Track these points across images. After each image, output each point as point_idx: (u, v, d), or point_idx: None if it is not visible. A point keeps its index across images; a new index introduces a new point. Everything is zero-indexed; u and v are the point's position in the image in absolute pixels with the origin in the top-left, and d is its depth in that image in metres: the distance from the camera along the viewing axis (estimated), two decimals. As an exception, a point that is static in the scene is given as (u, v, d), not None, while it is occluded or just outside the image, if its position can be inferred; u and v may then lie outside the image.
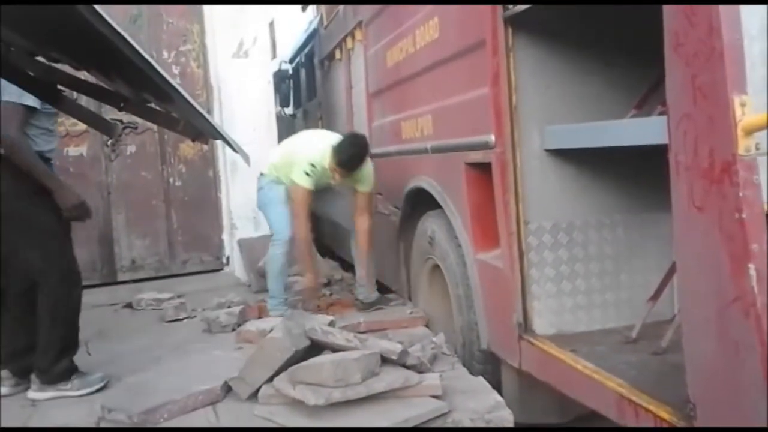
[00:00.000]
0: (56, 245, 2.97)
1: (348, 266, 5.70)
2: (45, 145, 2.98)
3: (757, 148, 1.49)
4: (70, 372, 2.98)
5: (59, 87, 2.01)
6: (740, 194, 1.45)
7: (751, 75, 1.52)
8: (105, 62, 1.70)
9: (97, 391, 2.93)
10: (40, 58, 1.90)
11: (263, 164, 4.14)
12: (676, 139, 1.64)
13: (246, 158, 2.26)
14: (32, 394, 2.96)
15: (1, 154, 2.85)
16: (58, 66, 2.05)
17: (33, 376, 2.98)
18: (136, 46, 1.37)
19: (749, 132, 1.45)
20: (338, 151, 3.83)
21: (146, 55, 1.39)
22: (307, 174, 3.87)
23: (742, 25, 1.51)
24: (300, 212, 3.95)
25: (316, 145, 3.97)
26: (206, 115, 1.76)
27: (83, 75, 2.25)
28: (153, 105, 1.89)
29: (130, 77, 1.70)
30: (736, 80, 1.46)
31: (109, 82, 1.89)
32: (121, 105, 1.87)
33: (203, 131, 1.91)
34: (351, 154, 3.84)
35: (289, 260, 4.13)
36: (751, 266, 1.44)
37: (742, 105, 1.45)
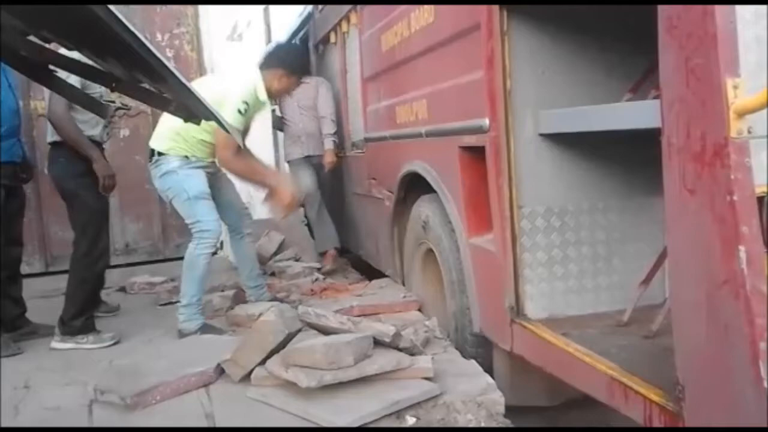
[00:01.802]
0: (92, 221, 3.54)
1: (341, 251, 5.71)
2: (90, 130, 3.59)
3: (749, 131, 1.50)
4: (87, 329, 3.52)
5: (51, 67, 1.99)
6: (732, 177, 1.45)
7: (745, 58, 1.52)
8: (97, 42, 1.69)
9: (109, 346, 3.46)
10: (31, 38, 1.88)
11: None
12: (669, 121, 1.64)
13: (240, 140, 2.27)
14: (54, 343, 3.48)
15: (56, 142, 3.55)
16: (50, 46, 2.03)
17: (56, 328, 3.51)
18: (129, 26, 1.36)
19: (741, 114, 1.45)
20: (301, 57, 3.50)
21: (139, 35, 1.38)
22: (241, 112, 3.44)
23: (736, 8, 1.51)
24: (230, 154, 3.47)
25: (243, 82, 3.52)
26: (200, 96, 1.76)
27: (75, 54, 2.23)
28: (145, 85, 1.88)
29: (123, 57, 1.68)
30: (729, 63, 1.46)
31: (101, 62, 1.87)
32: (113, 85, 1.86)
33: (196, 112, 1.90)
34: (304, 55, 3.58)
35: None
36: (741, 248, 1.44)
37: (735, 87, 1.46)
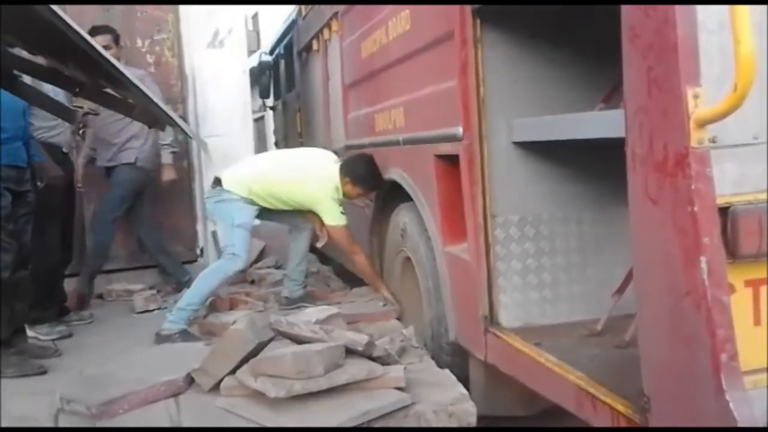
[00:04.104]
0: (40, 220, 3.67)
1: (325, 259, 5.69)
2: (47, 132, 3.81)
3: (713, 141, 1.49)
4: (42, 320, 3.82)
5: (15, 72, 1.97)
6: (692, 187, 1.45)
7: (709, 69, 1.52)
8: (57, 47, 1.67)
9: (59, 339, 3.72)
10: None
11: (235, 153, 4.08)
12: (632, 131, 1.63)
13: (203, 145, 2.25)
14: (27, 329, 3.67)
15: None
16: (15, 51, 2.01)
17: None
18: (82, 33, 1.34)
19: (702, 124, 1.45)
20: (369, 172, 3.78)
21: (92, 41, 1.36)
22: (342, 212, 3.83)
23: (699, 18, 1.51)
24: (355, 244, 3.91)
25: (331, 177, 3.83)
26: (159, 103, 1.74)
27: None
28: (109, 90, 1.86)
29: (83, 62, 1.66)
30: (689, 72, 1.46)
31: (64, 67, 1.85)
32: (77, 90, 1.84)
33: (159, 118, 1.88)
34: (371, 168, 3.79)
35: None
36: (703, 259, 1.44)
37: (695, 97, 1.45)
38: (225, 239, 3.89)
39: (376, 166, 3.78)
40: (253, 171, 3.96)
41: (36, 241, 3.67)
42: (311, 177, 3.86)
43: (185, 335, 3.51)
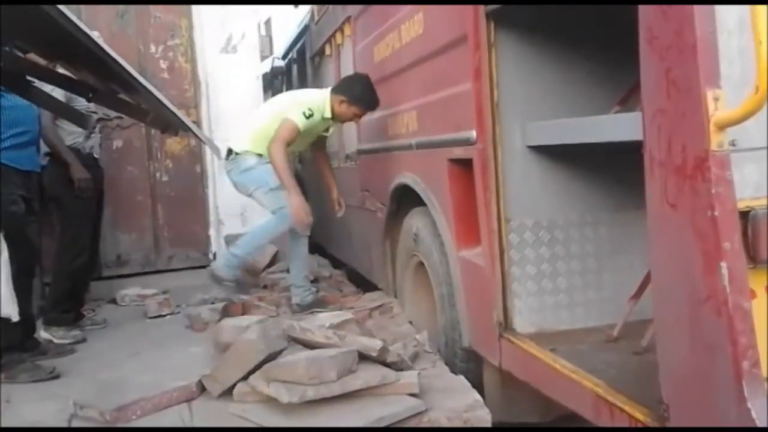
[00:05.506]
0: (72, 222, 3.94)
1: (337, 264, 5.67)
2: (78, 138, 3.88)
3: (733, 144, 1.46)
4: (60, 323, 3.82)
5: (28, 78, 1.97)
6: (712, 191, 1.41)
7: (729, 70, 1.49)
8: (70, 53, 1.66)
9: (73, 344, 3.66)
10: (7, 48, 1.85)
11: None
12: (651, 134, 1.60)
13: (216, 151, 2.26)
14: (40, 330, 3.70)
15: (47, 152, 3.79)
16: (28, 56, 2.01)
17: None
18: (96, 39, 1.33)
19: (722, 127, 1.41)
20: (366, 91, 3.85)
21: (107, 48, 1.35)
22: (305, 116, 3.84)
23: (719, 18, 1.48)
24: (283, 144, 3.85)
25: (314, 95, 4.01)
26: (173, 108, 1.73)
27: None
28: (123, 96, 1.85)
29: (96, 68, 1.66)
30: (709, 74, 1.43)
31: (77, 73, 1.85)
32: (90, 95, 1.84)
33: (172, 123, 1.87)
34: (369, 88, 3.85)
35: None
36: (723, 265, 1.41)
37: (716, 99, 1.42)
38: (273, 203, 3.95)
39: (372, 85, 3.85)
40: (251, 123, 4.07)
41: (66, 244, 3.83)
42: (303, 93, 4.24)
43: (238, 287, 3.98)
